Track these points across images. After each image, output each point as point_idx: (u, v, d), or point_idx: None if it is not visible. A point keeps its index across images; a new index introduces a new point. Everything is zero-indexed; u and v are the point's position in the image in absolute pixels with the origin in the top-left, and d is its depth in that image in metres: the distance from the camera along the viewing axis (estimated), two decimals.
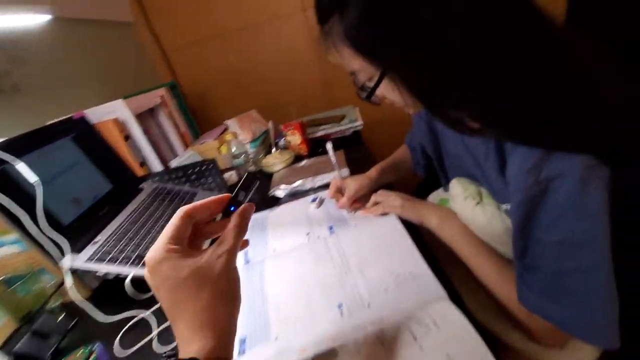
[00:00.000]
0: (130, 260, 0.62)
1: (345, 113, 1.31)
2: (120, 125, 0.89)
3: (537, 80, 0.36)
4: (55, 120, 0.80)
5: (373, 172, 0.76)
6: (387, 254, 0.53)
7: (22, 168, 0.60)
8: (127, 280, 0.58)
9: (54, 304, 0.68)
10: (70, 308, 0.69)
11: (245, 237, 0.35)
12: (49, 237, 0.59)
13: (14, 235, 0.67)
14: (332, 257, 0.55)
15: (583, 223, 0.37)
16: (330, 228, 0.65)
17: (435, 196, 0.79)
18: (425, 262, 0.50)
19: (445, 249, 0.57)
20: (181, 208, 0.31)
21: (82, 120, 0.82)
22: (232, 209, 0.33)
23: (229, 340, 0.30)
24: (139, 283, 0.61)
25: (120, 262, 0.62)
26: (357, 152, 1.04)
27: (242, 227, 0.32)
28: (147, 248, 0.66)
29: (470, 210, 0.53)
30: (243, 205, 0.33)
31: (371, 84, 0.43)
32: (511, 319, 0.46)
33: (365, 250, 0.55)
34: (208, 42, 1.68)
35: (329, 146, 0.72)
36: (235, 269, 0.31)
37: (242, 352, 0.45)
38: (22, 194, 0.60)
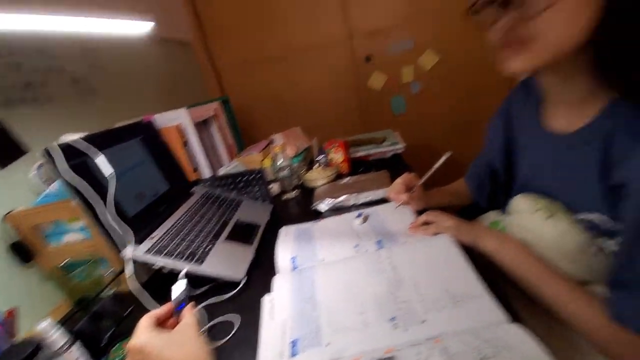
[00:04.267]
0: (184, 256, 0.65)
1: (386, 135, 1.33)
2: (181, 131, 0.95)
3: None
4: (127, 122, 0.87)
5: (434, 191, 0.77)
6: (442, 273, 0.53)
7: (101, 161, 0.66)
8: (182, 274, 0.61)
9: (108, 292, 0.71)
10: (123, 298, 0.72)
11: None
12: (116, 226, 0.63)
13: (81, 222, 0.72)
14: (384, 269, 0.55)
15: None
16: (379, 242, 0.65)
17: (484, 220, 0.77)
18: (483, 285, 0.49)
19: (501, 273, 0.56)
20: (147, 315, 0.44)
21: (150, 124, 0.89)
22: (181, 306, 0.46)
23: None
24: (191, 279, 0.63)
25: (175, 257, 0.65)
26: (401, 173, 1.04)
27: (192, 312, 0.45)
28: (198, 247, 0.69)
29: (540, 225, 0.51)
30: (190, 304, 0.47)
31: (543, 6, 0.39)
32: (593, 343, 0.44)
33: (418, 267, 0.54)
34: (258, 63, 1.80)
35: (445, 156, 0.68)
36: (202, 338, 0.42)
37: (294, 354, 0.45)
38: (97, 184, 0.65)
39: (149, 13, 1.23)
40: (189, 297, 0.48)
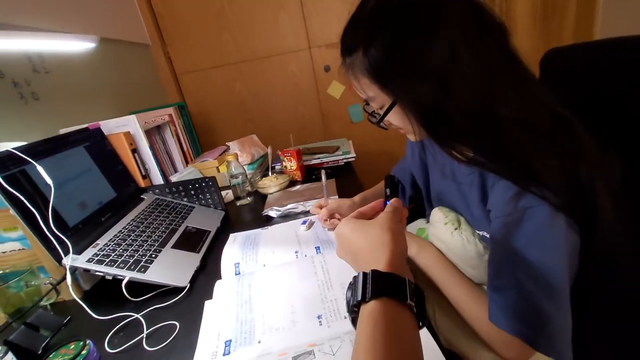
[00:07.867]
0: (127, 265, 0.66)
1: (340, 144, 1.40)
2: (130, 138, 0.95)
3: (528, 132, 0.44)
4: (72, 129, 0.86)
5: (356, 197, 0.84)
6: None
7: (40, 170, 0.65)
8: (124, 282, 0.62)
9: (46, 302, 0.70)
10: (61, 308, 0.72)
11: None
12: (55, 236, 0.63)
13: (19, 232, 0.71)
14: (317, 273, 0.61)
15: (550, 250, 0.44)
16: (317, 248, 0.71)
17: (413, 226, 0.85)
18: None
19: (421, 275, 0.63)
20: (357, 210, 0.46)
21: (97, 131, 0.89)
22: (386, 203, 0.46)
23: (403, 259, 0.40)
24: (133, 287, 0.65)
25: (118, 265, 0.66)
26: (347, 181, 1.12)
27: (398, 204, 0.44)
28: (143, 255, 0.70)
29: (450, 235, 0.60)
30: (393, 199, 0.46)
31: (382, 112, 0.53)
32: (480, 337, 0.51)
33: (347, 269, 0.60)
34: (217, 68, 1.80)
35: (322, 173, 0.80)
36: (399, 224, 0.42)
37: (227, 353, 0.49)
38: (36, 194, 0.65)
39: (95, 26, 1.20)
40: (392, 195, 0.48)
